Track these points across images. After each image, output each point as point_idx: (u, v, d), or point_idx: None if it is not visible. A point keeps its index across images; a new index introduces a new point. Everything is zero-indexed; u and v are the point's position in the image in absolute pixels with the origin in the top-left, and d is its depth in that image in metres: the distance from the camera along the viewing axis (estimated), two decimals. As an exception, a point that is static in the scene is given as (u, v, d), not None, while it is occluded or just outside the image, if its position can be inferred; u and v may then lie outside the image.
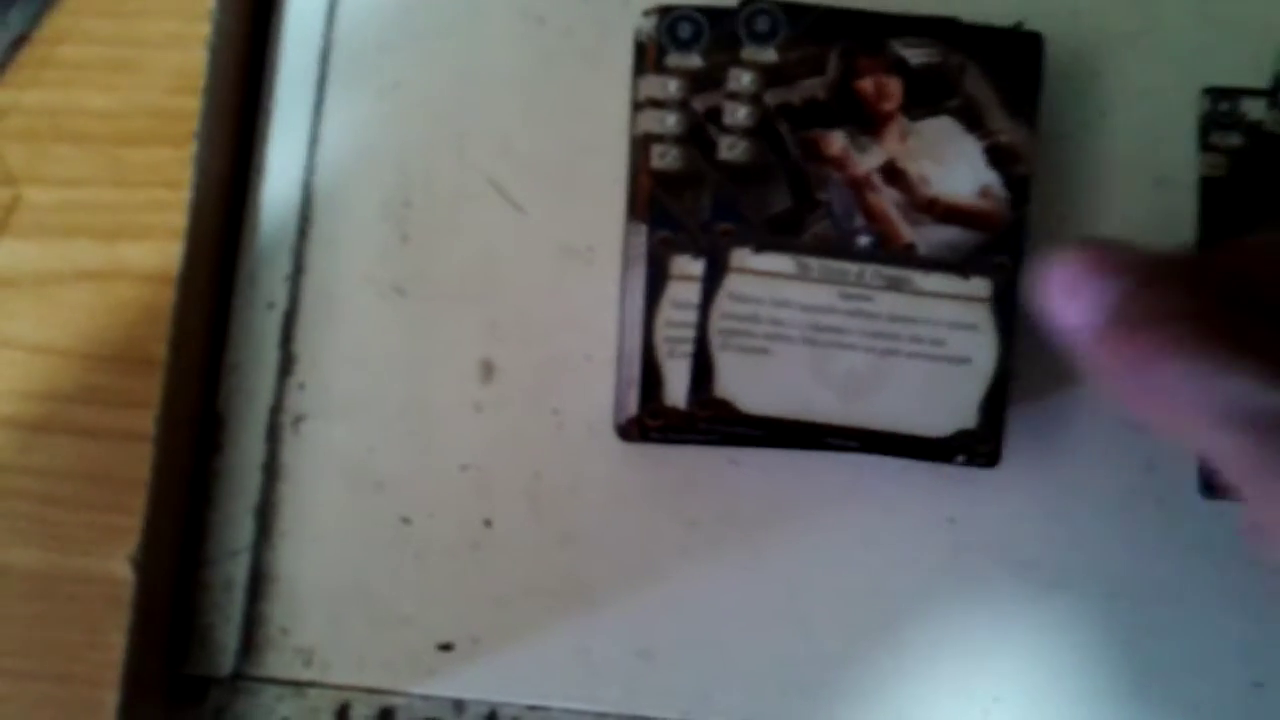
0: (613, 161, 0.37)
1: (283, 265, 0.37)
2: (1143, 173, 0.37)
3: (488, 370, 0.37)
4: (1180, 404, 0.27)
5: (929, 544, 0.36)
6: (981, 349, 0.34)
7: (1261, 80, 0.37)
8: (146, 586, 0.33)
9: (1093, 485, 0.36)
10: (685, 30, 0.36)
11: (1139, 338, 0.28)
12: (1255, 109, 0.37)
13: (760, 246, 0.34)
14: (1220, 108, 0.37)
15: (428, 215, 0.38)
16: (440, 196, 0.38)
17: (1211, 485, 0.35)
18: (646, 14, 0.36)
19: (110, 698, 0.33)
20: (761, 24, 0.36)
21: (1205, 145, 0.37)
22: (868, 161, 0.35)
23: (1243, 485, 0.27)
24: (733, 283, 0.34)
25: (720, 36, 0.35)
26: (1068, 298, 0.30)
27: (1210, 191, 0.37)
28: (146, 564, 0.33)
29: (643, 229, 0.35)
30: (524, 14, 0.39)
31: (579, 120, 0.38)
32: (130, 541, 0.33)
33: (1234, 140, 0.37)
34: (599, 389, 0.36)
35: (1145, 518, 0.35)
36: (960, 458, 0.34)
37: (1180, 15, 0.38)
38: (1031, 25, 0.38)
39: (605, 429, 0.36)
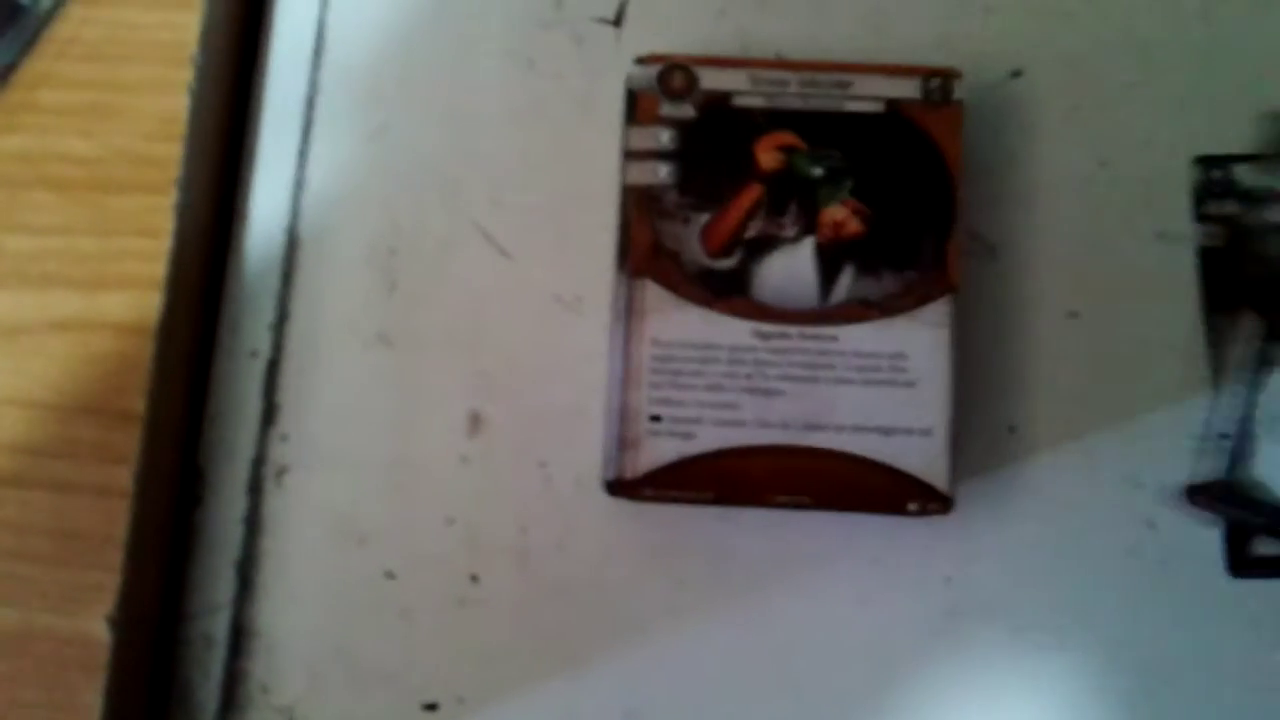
0: (603, 210, 0.36)
1: (266, 313, 0.37)
2: (1143, 225, 0.37)
3: (475, 422, 0.36)
4: None
5: (925, 604, 0.35)
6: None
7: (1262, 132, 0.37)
8: (124, 645, 0.33)
9: (1094, 544, 0.35)
10: (678, 80, 0.35)
11: None
12: (1248, 175, 0.36)
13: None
14: (1213, 175, 0.36)
15: (415, 263, 0.37)
16: (428, 244, 0.37)
17: (1239, 563, 0.34)
18: (638, 62, 0.35)
19: (85, 760, 0.32)
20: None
21: (1201, 216, 0.36)
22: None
23: None
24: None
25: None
26: None
27: (1210, 261, 0.36)
28: (124, 623, 0.33)
29: (631, 281, 0.34)
30: (514, 58, 0.38)
31: (569, 168, 0.37)
32: (107, 600, 0.32)
33: (1229, 208, 0.36)
34: (588, 442, 0.35)
35: (1147, 579, 0.35)
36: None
37: (1179, 68, 0.38)
38: (1030, 75, 0.38)
39: (594, 483, 0.35)
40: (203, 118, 0.35)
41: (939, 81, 0.35)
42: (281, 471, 0.36)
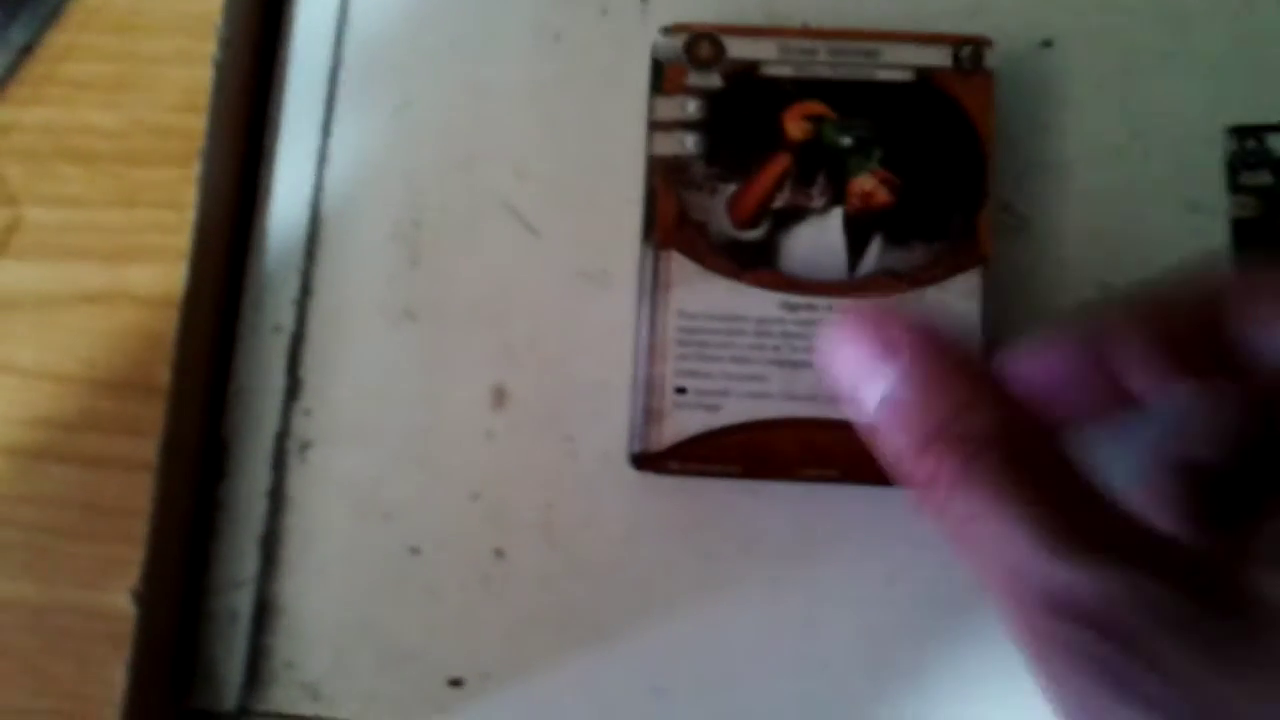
0: (629, 182, 0.36)
1: (290, 288, 0.36)
2: (1175, 197, 0.36)
3: (500, 396, 0.36)
4: (955, 531, 0.24)
5: (957, 579, 0.34)
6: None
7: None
8: (148, 620, 0.32)
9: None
10: (705, 49, 0.35)
11: (925, 455, 0.24)
12: (1282, 145, 0.36)
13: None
14: (1247, 145, 0.36)
15: (439, 237, 0.37)
16: (452, 218, 0.37)
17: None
18: (664, 31, 0.35)
19: (110, 734, 0.32)
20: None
21: (1234, 186, 0.36)
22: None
23: (1030, 663, 0.23)
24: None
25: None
26: (849, 374, 0.26)
27: (1243, 233, 0.35)
28: (148, 597, 0.32)
29: (657, 253, 0.34)
30: (538, 30, 0.38)
31: (594, 139, 0.37)
32: (132, 573, 0.32)
33: (1264, 179, 0.36)
34: (614, 417, 0.35)
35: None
36: None
37: (1213, 36, 0.37)
38: (1061, 44, 0.37)
39: (620, 458, 0.34)
40: (226, 90, 0.35)
41: (970, 50, 0.35)
42: (305, 446, 0.36)
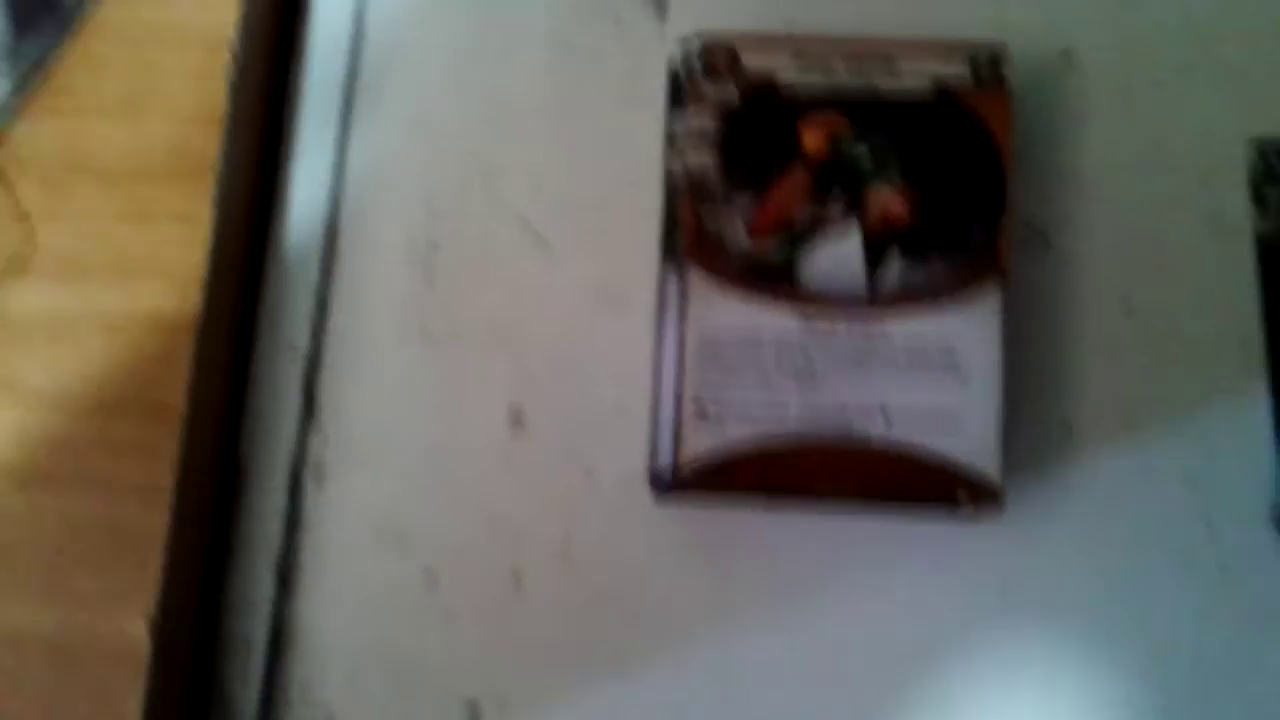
0: (647, 199, 0.35)
1: (306, 306, 0.36)
2: (1198, 211, 0.36)
3: (517, 418, 0.35)
4: None
5: (979, 607, 0.34)
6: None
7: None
8: (163, 645, 0.32)
9: (1151, 546, 0.34)
10: (721, 61, 0.34)
11: None
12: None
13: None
14: (1271, 160, 0.35)
15: (455, 255, 0.36)
16: (468, 236, 0.36)
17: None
18: (682, 43, 0.35)
19: (124, 762, 0.31)
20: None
21: (1258, 199, 0.35)
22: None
23: None
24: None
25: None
26: None
27: (1268, 249, 0.35)
28: (163, 622, 0.32)
29: (678, 270, 0.33)
30: (555, 44, 0.37)
31: (612, 156, 0.37)
32: (146, 599, 0.32)
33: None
34: (632, 441, 0.34)
35: (1205, 582, 0.34)
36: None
37: (1235, 48, 0.37)
38: (1080, 55, 0.37)
39: (639, 483, 0.34)
40: (241, 106, 0.35)
41: (987, 58, 0.34)
42: (321, 468, 0.35)
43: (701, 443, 0.33)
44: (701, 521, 0.35)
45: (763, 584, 0.34)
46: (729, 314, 0.33)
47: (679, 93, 0.34)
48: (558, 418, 0.35)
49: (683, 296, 0.33)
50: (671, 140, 0.34)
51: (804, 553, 0.34)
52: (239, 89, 0.34)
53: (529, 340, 0.36)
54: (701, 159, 0.34)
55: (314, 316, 0.36)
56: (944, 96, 0.34)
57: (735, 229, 0.34)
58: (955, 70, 0.34)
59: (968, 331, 0.33)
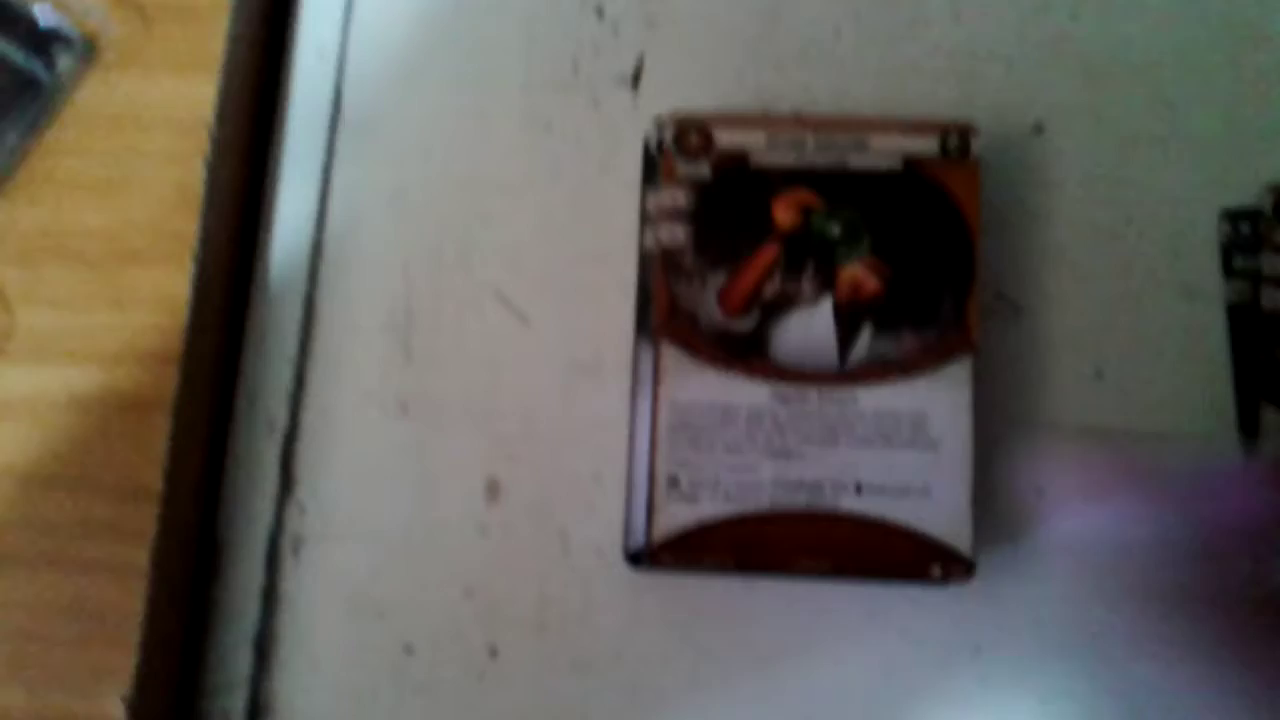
0: (623, 273, 0.36)
1: (283, 383, 0.36)
2: (1170, 281, 0.36)
3: (494, 490, 0.36)
4: None
5: (954, 675, 0.34)
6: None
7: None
8: (139, 725, 0.32)
9: (1123, 610, 0.34)
10: (694, 139, 0.35)
11: None
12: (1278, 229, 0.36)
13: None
14: (1240, 229, 0.36)
15: (432, 328, 0.37)
16: (444, 308, 0.37)
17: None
18: (657, 122, 0.35)
19: (100, 844, 0.31)
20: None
21: (1229, 271, 0.36)
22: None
23: None
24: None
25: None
26: None
27: (1239, 319, 0.35)
28: (139, 703, 0.32)
29: (651, 345, 0.34)
30: (532, 121, 0.38)
31: (588, 230, 0.37)
32: (123, 679, 0.32)
33: (1259, 263, 0.35)
34: (608, 511, 0.35)
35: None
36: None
37: (1205, 120, 0.37)
38: (1053, 129, 0.37)
39: (614, 553, 0.34)
40: (219, 188, 0.35)
41: (957, 137, 0.35)
42: (299, 543, 0.36)
43: (675, 517, 0.33)
44: (678, 590, 0.35)
45: (738, 651, 0.35)
46: (701, 386, 0.33)
47: (652, 170, 0.35)
48: (534, 489, 0.36)
49: (656, 370, 0.34)
50: (645, 217, 0.35)
51: (779, 619, 0.35)
52: (217, 171, 0.35)
53: (505, 412, 0.36)
54: (675, 234, 0.34)
55: (292, 391, 0.36)
56: (913, 172, 0.35)
57: (708, 304, 0.34)
58: (925, 147, 0.35)
59: (938, 402, 0.33)
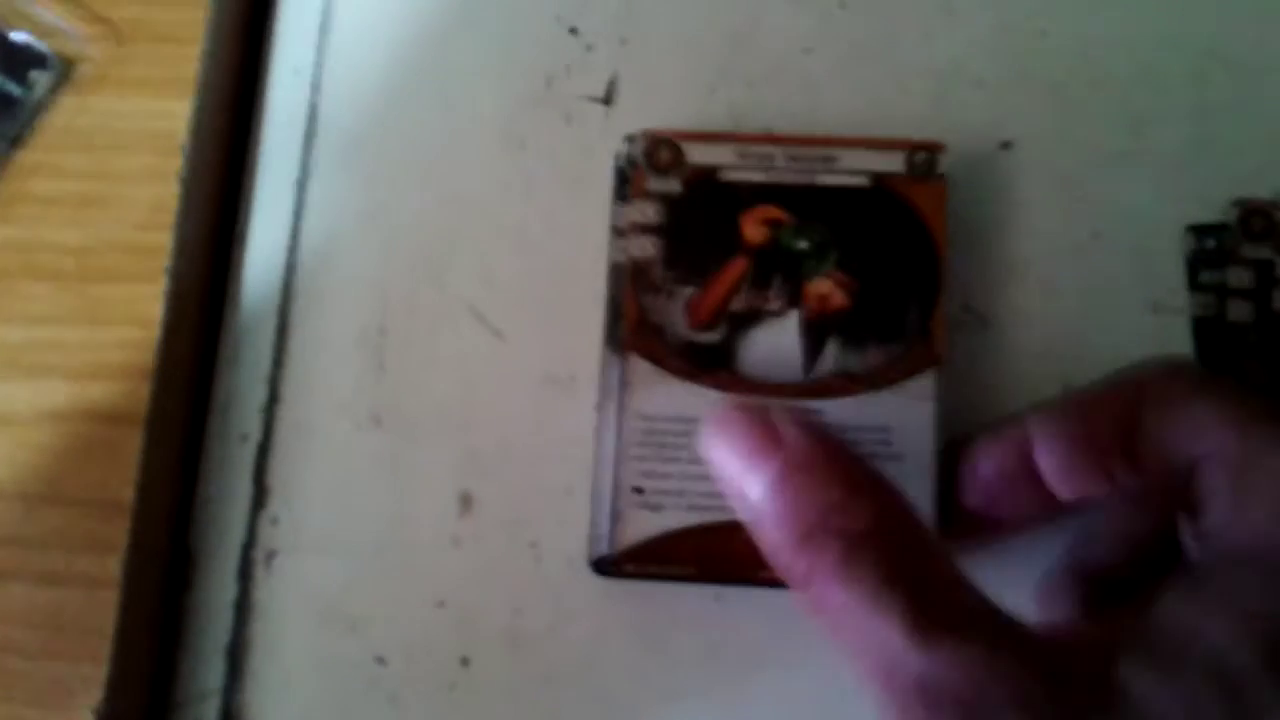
0: (594, 287, 0.36)
1: (257, 396, 0.37)
2: (1136, 296, 0.37)
3: (466, 503, 0.36)
4: (831, 623, 0.26)
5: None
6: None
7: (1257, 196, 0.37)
8: (110, 738, 0.32)
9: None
10: (664, 156, 0.35)
11: (802, 550, 0.26)
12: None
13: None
14: (1206, 244, 0.36)
15: (406, 342, 0.37)
16: (418, 323, 0.37)
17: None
18: (627, 139, 0.36)
19: None
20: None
21: (1195, 285, 0.36)
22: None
23: None
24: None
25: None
26: (730, 468, 0.28)
27: (1205, 331, 0.36)
28: (111, 714, 0.32)
29: (620, 357, 0.34)
30: (505, 137, 0.38)
31: (561, 245, 0.37)
32: (94, 693, 0.32)
33: (1224, 277, 0.36)
34: (579, 522, 0.35)
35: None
36: None
37: (1170, 136, 0.38)
38: (1020, 145, 0.38)
39: (586, 565, 0.34)
40: (193, 206, 0.35)
41: (924, 155, 0.35)
42: (271, 555, 0.36)
43: (639, 526, 0.33)
44: (648, 600, 0.35)
45: (711, 661, 0.35)
46: (668, 397, 0.34)
47: (624, 186, 0.35)
48: (506, 501, 0.36)
49: (624, 381, 0.34)
50: (616, 232, 0.35)
51: (751, 629, 0.35)
52: (191, 189, 0.35)
53: (478, 425, 0.36)
54: (644, 248, 0.35)
55: (266, 404, 0.37)
56: (880, 188, 0.35)
57: (676, 317, 0.34)
58: (892, 164, 0.35)
59: (903, 415, 0.34)
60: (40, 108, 0.35)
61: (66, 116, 0.35)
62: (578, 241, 0.37)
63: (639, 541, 0.33)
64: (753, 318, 0.35)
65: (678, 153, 0.35)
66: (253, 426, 0.36)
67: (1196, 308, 0.36)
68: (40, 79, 0.35)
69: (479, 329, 0.37)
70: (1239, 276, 0.36)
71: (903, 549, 0.26)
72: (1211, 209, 0.37)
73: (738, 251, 0.35)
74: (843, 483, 0.27)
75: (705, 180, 0.35)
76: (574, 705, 0.35)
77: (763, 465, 0.28)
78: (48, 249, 0.35)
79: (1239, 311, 0.36)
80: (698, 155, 0.35)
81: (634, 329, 0.34)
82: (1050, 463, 0.31)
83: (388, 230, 0.38)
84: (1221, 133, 0.38)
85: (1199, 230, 0.37)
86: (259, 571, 0.36)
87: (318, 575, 0.36)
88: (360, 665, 0.35)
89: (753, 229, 0.35)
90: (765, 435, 0.28)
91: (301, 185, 0.38)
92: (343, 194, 0.38)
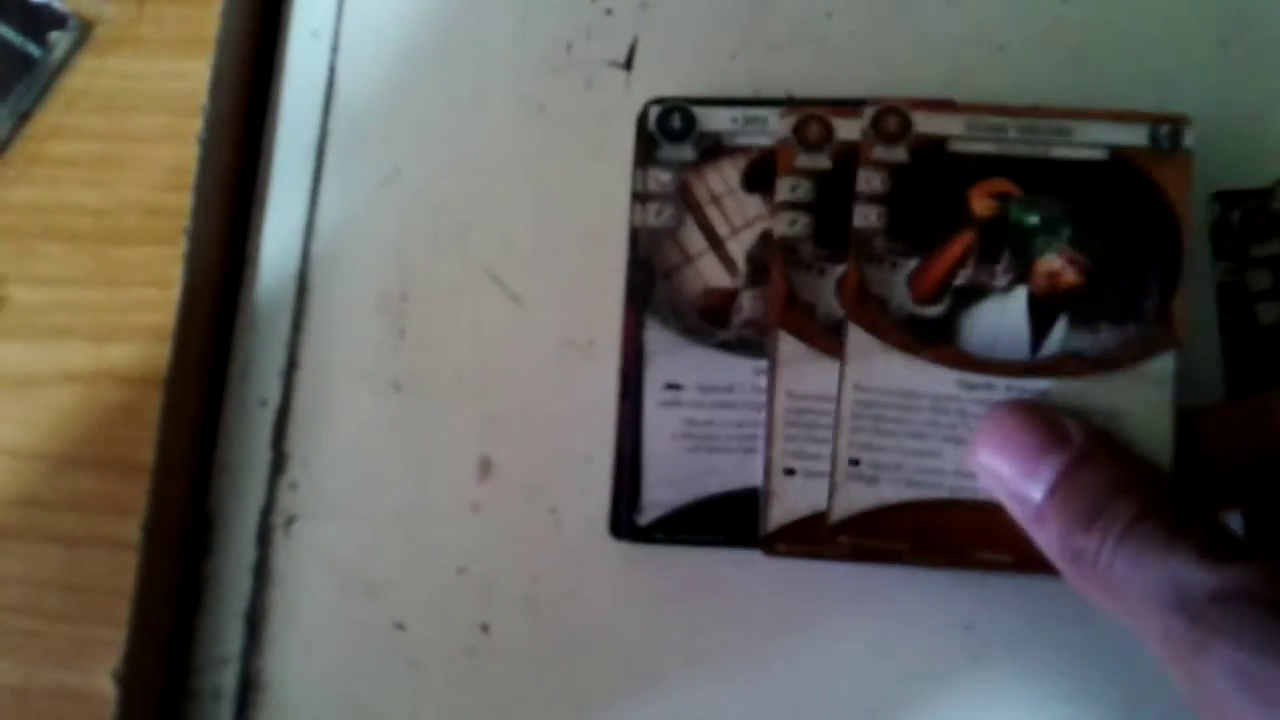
0: (615, 252, 0.36)
1: (276, 360, 0.36)
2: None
3: (486, 468, 0.36)
4: (1118, 588, 0.29)
5: (944, 652, 0.34)
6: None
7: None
8: (130, 701, 0.32)
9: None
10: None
11: (1093, 527, 0.29)
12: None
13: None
14: (1228, 211, 0.36)
15: (425, 308, 0.37)
16: (438, 289, 0.37)
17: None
18: (651, 104, 0.35)
19: (91, 820, 0.31)
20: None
21: (1218, 252, 0.36)
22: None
23: (1171, 668, 0.28)
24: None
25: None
26: (1018, 460, 0.31)
27: (1226, 294, 0.35)
28: (130, 678, 0.32)
29: (771, 334, 0.34)
30: (524, 102, 0.38)
31: (580, 210, 0.37)
32: (113, 654, 0.32)
33: (1248, 245, 0.35)
34: (600, 488, 0.35)
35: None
36: None
37: (1195, 99, 0.37)
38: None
39: (604, 529, 0.34)
40: (212, 167, 0.35)
41: (1168, 128, 0.34)
42: (290, 520, 0.36)
43: (854, 497, 0.33)
44: (668, 566, 0.35)
45: (730, 628, 0.35)
46: (888, 370, 0.33)
47: (648, 150, 0.35)
48: (526, 466, 0.36)
49: (775, 358, 0.34)
50: (638, 197, 0.35)
51: (771, 596, 0.35)
52: (210, 150, 0.35)
53: (498, 391, 0.36)
54: (794, 226, 0.34)
55: (285, 369, 0.36)
56: (1119, 162, 0.34)
57: (899, 288, 0.33)
58: (1133, 138, 0.34)
59: (1136, 398, 0.32)
60: (59, 69, 0.35)
61: (85, 78, 0.35)
62: (597, 207, 0.37)
63: (853, 512, 0.33)
64: (978, 292, 0.33)
65: (827, 127, 0.35)
66: (272, 391, 0.36)
67: (1220, 275, 0.36)
68: (59, 40, 0.35)
69: (499, 294, 0.37)
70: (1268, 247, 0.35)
71: (1185, 506, 0.29)
72: (1239, 174, 0.36)
73: (964, 224, 0.34)
74: (1125, 464, 0.30)
75: (933, 150, 0.34)
76: (593, 671, 0.34)
77: (1055, 455, 0.30)
78: (67, 210, 0.34)
79: (1259, 280, 0.35)
80: (925, 125, 0.34)
81: (783, 306, 0.34)
82: None
83: (407, 195, 0.37)
84: (1248, 95, 0.37)
85: (1221, 196, 0.36)
86: (278, 536, 0.36)
87: (337, 541, 0.35)
88: (379, 631, 0.35)
89: (980, 202, 0.34)
90: (1057, 429, 0.31)
91: (320, 149, 0.38)
92: (362, 158, 0.38)
